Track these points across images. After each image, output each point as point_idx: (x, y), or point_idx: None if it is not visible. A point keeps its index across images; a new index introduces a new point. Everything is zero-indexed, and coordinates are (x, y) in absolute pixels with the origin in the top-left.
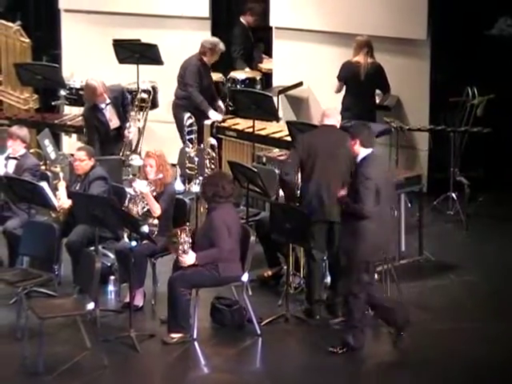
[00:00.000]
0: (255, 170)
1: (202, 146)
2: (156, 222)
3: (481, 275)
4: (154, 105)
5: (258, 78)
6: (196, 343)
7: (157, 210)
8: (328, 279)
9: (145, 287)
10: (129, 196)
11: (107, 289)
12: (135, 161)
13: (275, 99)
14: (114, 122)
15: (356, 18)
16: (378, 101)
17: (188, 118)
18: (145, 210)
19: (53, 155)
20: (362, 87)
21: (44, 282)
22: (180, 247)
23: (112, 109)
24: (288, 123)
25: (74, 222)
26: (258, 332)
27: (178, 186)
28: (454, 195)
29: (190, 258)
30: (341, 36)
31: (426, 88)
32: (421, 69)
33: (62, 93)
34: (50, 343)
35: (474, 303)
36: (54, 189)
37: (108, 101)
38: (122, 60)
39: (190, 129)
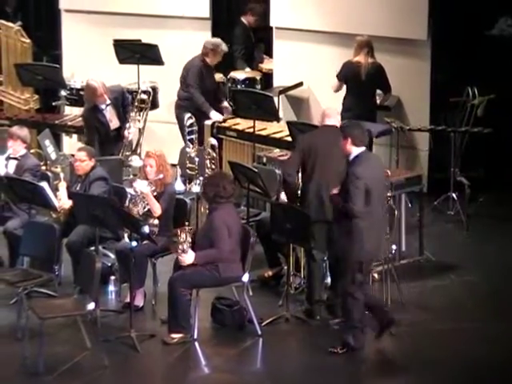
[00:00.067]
0: (256, 170)
1: (202, 146)
2: (156, 222)
3: (481, 275)
4: (155, 105)
5: (258, 78)
6: (196, 343)
7: (157, 210)
8: (328, 279)
9: (145, 287)
10: (129, 196)
11: (107, 289)
12: (135, 161)
13: (276, 99)
14: (114, 123)
15: (356, 18)
16: (378, 101)
17: (188, 119)
18: (145, 210)
19: (53, 155)
20: (363, 87)
21: (44, 282)
22: (179, 246)
23: (112, 109)
24: (288, 123)
25: (75, 222)
26: (259, 332)
27: (179, 186)
28: (454, 195)
29: (189, 258)
30: (341, 36)
31: (426, 88)
32: (421, 69)
33: (63, 93)
34: (50, 343)
35: (474, 303)
36: (55, 189)
37: (108, 101)
38: (122, 60)
39: (190, 129)
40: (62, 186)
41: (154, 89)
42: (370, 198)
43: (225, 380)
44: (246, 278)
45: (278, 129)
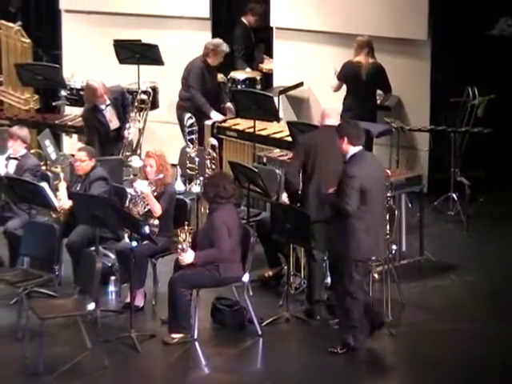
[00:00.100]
0: (256, 170)
1: (202, 146)
2: (157, 222)
3: (481, 275)
4: (155, 105)
5: (258, 78)
6: (197, 343)
7: (158, 210)
8: (328, 279)
9: (145, 287)
10: (129, 196)
11: (108, 289)
12: (135, 162)
13: (276, 99)
14: (113, 123)
15: (356, 18)
16: (379, 101)
17: (188, 119)
18: (145, 210)
19: (53, 156)
20: (364, 87)
21: (44, 283)
22: (179, 246)
23: (112, 110)
24: (289, 123)
25: (75, 222)
26: (259, 332)
27: (179, 186)
28: (454, 195)
29: (188, 257)
30: (341, 36)
31: (426, 88)
32: (421, 69)
33: (63, 93)
34: (50, 343)
35: (474, 303)
36: (55, 189)
37: (108, 102)
38: (122, 60)
39: (190, 129)
40: (62, 186)
41: (154, 89)
42: (366, 197)
43: (225, 380)
44: (246, 278)
45: (278, 129)
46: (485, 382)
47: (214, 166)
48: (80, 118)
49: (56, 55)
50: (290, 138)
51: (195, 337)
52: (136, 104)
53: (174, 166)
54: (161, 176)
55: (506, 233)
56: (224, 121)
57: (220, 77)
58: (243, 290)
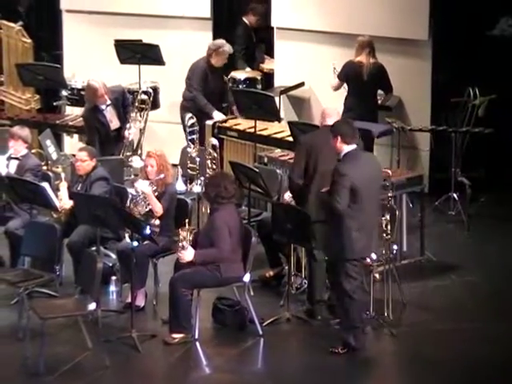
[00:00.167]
0: (257, 170)
1: (203, 146)
2: (157, 222)
3: (482, 275)
4: (156, 105)
5: (258, 77)
6: (197, 343)
7: (159, 209)
8: None
9: (146, 287)
10: (130, 196)
11: (109, 289)
12: (135, 162)
13: (277, 99)
14: (114, 123)
15: (357, 18)
16: (379, 101)
17: (189, 119)
18: (146, 210)
19: (54, 156)
20: (365, 87)
21: (45, 283)
22: (180, 244)
23: (112, 110)
24: (289, 123)
25: (76, 222)
26: (260, 332)
27: (180, 186)
28: (455, 195)
29: (188, 254)
30: (342, 36)
31: (427, 88)
32: (422, 69)
33: (64, 93)
34: (51, 343)
35: (475, 303)
36: (56, 189)
37: (108, 102)
38: (123, 60)
39: (191, 129)
40: (63, 186)
41: (155, 89)
42: (357, 196)
43: (226, 380)
44: (247, 278)
45: (279, 129)
46: (485, 382)
47: (214, 166)
48: (81, 118)
49: (57, 55)
50: (290, 138)
51: (196, 337)
52: (136, 104)
53: (174, 165)
54: (162, 176)
55: (506, 233)
56: (225, 121)
57: None
58: (244, 289)
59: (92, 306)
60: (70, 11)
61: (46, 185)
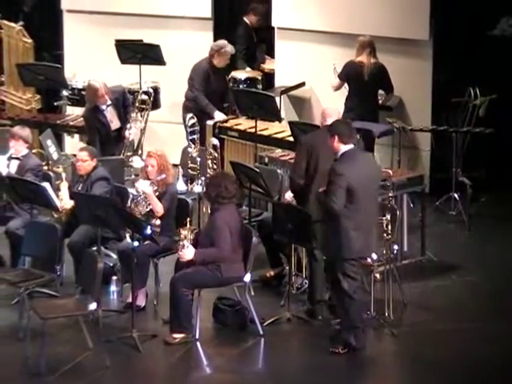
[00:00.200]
0: (257, 170)
1: (204, 146)
2: (158, 222)
3: (483, 276)
4: (157, 105)
5: (258, 77)
6: (198, 343)
7: (160, 209)
8: None
9: (147, 287)
10: (131, 196)
11: (109, 289)
12: (136, 162)
13: (277, 99)
14: (114, 124)
15: (358, 18)
16: (380, 101)
17: (190, 119)
18: (147, 210)
19: (55, 155)
20: (366, 87)
21: (46, 283)
22: (180, 243)
23: (113, 110)
24: (290, 123)
25: (76, 222)
26: (261, 332)
27: (181, 186)
28: (456, 195)
29: (188, 253)
30: (343, 36)
31: (428, 88)
32: (423, 69)
33: (65, 93)
34: (52, 343)
35: (475, 303)
36: (57, 189)
37: (109, 102)
38: (124, 60)
39: (192, 129)
40: (64, 186)
41: (156, 89)
42: (354, 196)
43: (226, 380)
44: (247, 278)
45: (279, 129)
46: (486, 382)
47: (215, 166)
48: (81, 118)
49: (58, 55)
50: (291, 138)
51: (197, 337)
52: (137, 104)
53: (175, 165)
54: (163, 176)
55: (507, 233)
56: (225, 121)
57: None
58: (245, 289)
59: (93, 306)
60: (70, 11)
61: (46, 185)
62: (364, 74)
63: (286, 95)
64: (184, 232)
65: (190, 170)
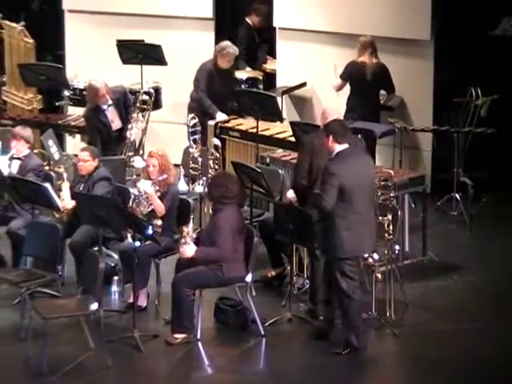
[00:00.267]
0: (259, 170)
1: (205, 146)
2: (160, 222)
3: (484, 276)
4: (158, 105)
5: (260, 77)
6: (200, 343)
7: (161, 209)
8: None
9: (148, 287)
10: (133, 196)
11: (111, 289)
12: (137, 162)
13: (279, 100)
14: (115, 124)
15: (359, 18)
16: (382, 101)
17: (191, 119)
18: (149, 210)
19: (56, 156)
20: (368, 88)
21: (47, 283)
22: (182, 240)
23: (114, 110)
24: (292, 124)
25: (78, 222)
26: (262, 332)
27: (182, 186)
28: (457, 196)
29: (189, 250)
30: (344, 36)
31: (429, 88)
32: (424, 69)
33: (66, 93)
34: (53, 343)
35: (477, 304)
36: (58, 189)
37: (110, 102)
38: (125, 60)
39: (193, 129)
40: (66, 186)
41: (157, 89)
42: (346, 196)
43: (228, 380)
44: (249, 278)
45: (281, 129)
46: (487, 382)
47: (216, 167)
48: (83, 119)
49: (59, 55)
50: (293, 139)
51: (198, 337)
52: (138, 104)
53: (177, 166)
54: (165, 176)
55: (508, 233)
56: (227, 121)
57: None
58: (246, 290)
59: (94, 306)
60: (72, 11)
61: (48, 185)
62: (366, 74)
63: (287, 95)
64: (186, 229)
65: (191, 170)
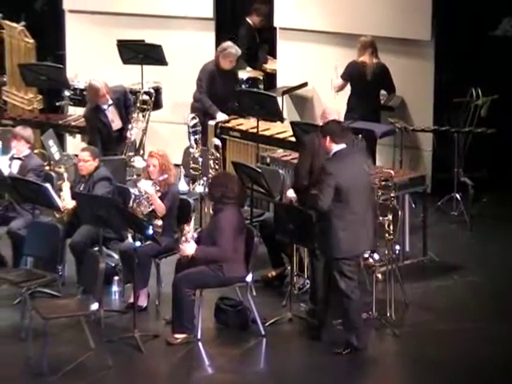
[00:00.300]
0: (259, 170)
1: (206, 146)
2: (160, 222)
3: (484, 276)
4: (158, 105)
5: (260, 77)
6: (200, 344)
7: (162, 210)
8: None
9: (149, 287)
10: (133, 196)
11: (111, 289)
12: (137, 163)
13: (280, 99)
14: (116, 124)
15: (360, 18)
16: (382, 101)
17: (192, 119)
18: (149, 210)
19: (57, 156)
20: (368, 87)
21: (48, 283)
22: (183, 238)
23: (114, 110)
24: (292, 124)
25: (78, 222)
26: (262, 332)
27: (182, 186)
28: (458, 196)
29: (190, 248)
30: (345, 36)
31: (430, 89)
32: (425, 69)
33: (66, 93)
34: (54, 343)
35: (477, 304)
36: (58, 189)
37: (110, 102)
38: (126, 60)
39: (194, 129)
40: (66, 187)
41: (158, 89)
42: (343, 196)
43: (228, 380)
44: (249, 278)
45: (281, 129)
46: (488, 382)
47: (217, 167)
48: (83, 119)
49: (59, 55)
50: (293, 139)
51: (198, 337)
52: (138, 104)
53: (177, 166)
54: (165, 176)
55: (509, 233)
56: (227, 121)
57: None
58: (247, 290)
59: (94, 306)
60: (72, 11)
61: (48, 185)
62: (367, 74)
63: (287, 95)
64: (187, 227)
65: (191, 171)
